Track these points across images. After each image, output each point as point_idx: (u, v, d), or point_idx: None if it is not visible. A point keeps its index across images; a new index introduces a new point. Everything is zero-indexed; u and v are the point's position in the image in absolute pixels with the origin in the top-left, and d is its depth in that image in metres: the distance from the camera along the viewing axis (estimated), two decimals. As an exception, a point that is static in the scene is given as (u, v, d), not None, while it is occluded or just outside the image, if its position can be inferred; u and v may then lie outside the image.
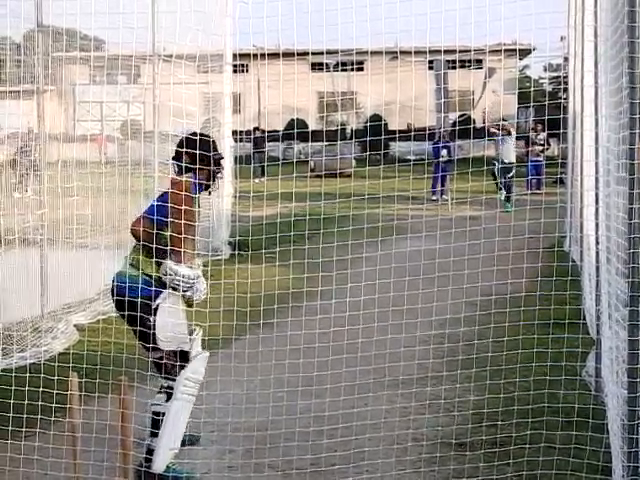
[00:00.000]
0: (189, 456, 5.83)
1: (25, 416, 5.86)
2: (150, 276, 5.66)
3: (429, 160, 24.27)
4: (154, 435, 5.62)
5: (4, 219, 8.97)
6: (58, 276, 9.86)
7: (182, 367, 5.66)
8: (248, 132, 30.36)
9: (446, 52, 6.74)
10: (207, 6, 10.59)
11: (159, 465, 5.58)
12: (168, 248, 5.59)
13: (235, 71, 15.85)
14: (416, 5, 6.19)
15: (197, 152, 5.75)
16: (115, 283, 5.79)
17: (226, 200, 14.14)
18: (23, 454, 5.58)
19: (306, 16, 6.07)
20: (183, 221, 5.57)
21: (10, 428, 5.78)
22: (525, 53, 30.63)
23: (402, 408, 6.73)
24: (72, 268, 10.24)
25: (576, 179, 11.82)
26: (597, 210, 6.95)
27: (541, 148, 25.76)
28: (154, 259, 5.60)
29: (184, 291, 5.65)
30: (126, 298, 5.61)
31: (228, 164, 13.56)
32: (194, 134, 5.90)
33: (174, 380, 5.64)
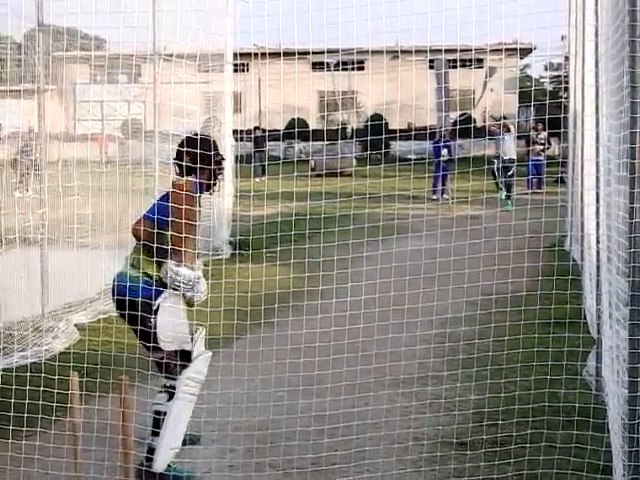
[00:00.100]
0: (190, 455, 5.83)
1: (26, 415, 5.86)
2: (151, 277, 5.67)
3: (430, 159, 24.26)
4: (155, 434, 5.62)
5: (5, 218, 8.97)
6: (59, 275, 9.86)
7: (184, 366, 5.67)
8: (249, 131, 30.36)
9: (447, 51, 6.74)
10: (208, 5, 10.59)
11: (160, 464, 5.58)
12: (169, 247, 5.59)
13: (236, 70, 15.87)
14: (417, 4, 6.19)
15: (198, 153, 5.75)
16: (116, 283, 5.79)
17: (227, 199, 14.14)
18: (24, 453, 5.58)
19: (307, 15, 6.08)
20: (184, 221, 5.57)
21: (11, 427, 5.78)
22: (526, 52, 30.59)
23: (403, 407, 6.73)
24: (73, 267, 10.24)
25: (577, 178, 11.82)
26: (598, 209, 6.95)
27: (542, 147, 25.77)
28: (155, 259, 5.60)
29: (184, 292, 5.65)
30: (127, 298, 5.61)
31: (229, 163, 13.55)
32: (195, 135, 5.90)
33: (176, 379, 5.64)
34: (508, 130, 22.24)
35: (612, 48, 5.26)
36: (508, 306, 7.04)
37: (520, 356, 6.79)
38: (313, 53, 6.43)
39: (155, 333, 5.58)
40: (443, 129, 23.61)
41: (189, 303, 5.76)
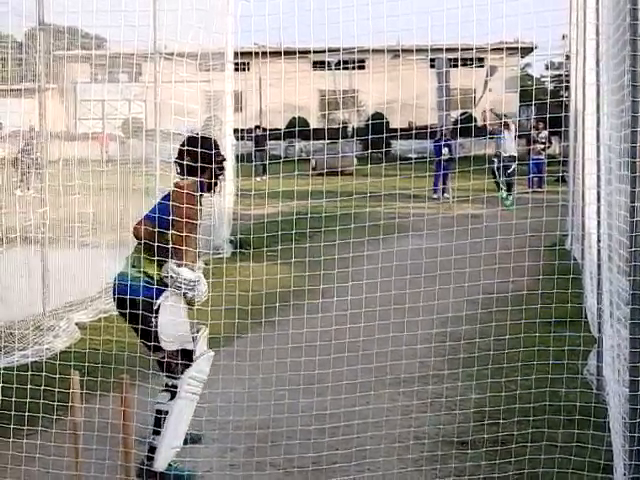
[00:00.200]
0: (191, 454, 5.83)
1: (27, 414, 5.86)
2: (151, 276, 5.67)
3: (430, 158, 24.26)
4: (156, 433, 5.63)
5: (6, 217, 8.98)
6: (60, 274, 9.86)
7: (186, 366, 5.67)
8: (249, 130, 30.36)
9: (448, 50, 6.74)
10: (208, 4, 10.57)
11: (161, 463, 5.59)
12: (170, 246, 5.59)
13: (237, 69, 15.86)
14: (418, 3, 6.19)
15: (199, 154, 5.74)
16: (117, 282, 5.79)
17: (227, 198, 14.13)
18: (25, 452, 5.58)
19: (307, 14, 6.07)
20: (185, 220, 5.58)
21: (12, 426, 5.78)
22: (527, 51, 30.61)
23: (404, 406, 6.74)
24: (74, 266, 10.24)
25: (578, 177, 11.82)
26: (599, 208, 6.94)
27: (543, 146, 25.78)
28: (156, 258, 5.60)
29: (185, 293, 5.66)
30: (127, 297, 5.62)
31: (229, 162, 13.55)
32: (196, 135, 5.91)
33: (177, 378, 5.65)
34: (508, 127, 22.25)
35: (613, 47, 5.26)
36: (509, 305, 7.04)
37: (521, 355, 6.79)
38: (314, 52, 6.44)
39: (156, 332, 5.58)
40: (444, 128, 23.60)
41: (190, 303, 5.76)
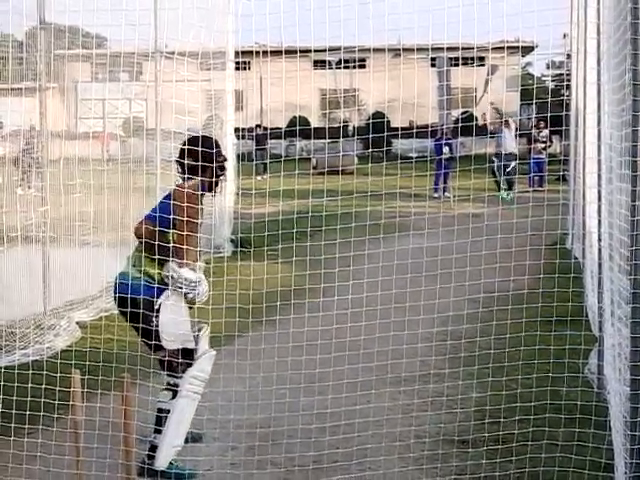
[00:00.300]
0: (192, 453, 5.84)
1: (28, 413, 5.86)
2: (152, 276, 5.67)
3: (431, 157, 24.25)
4: (158, 432, 5.63)
5: (7, 216, 8.98)
6: (60, 273, 9.86)
7: (187, 365, 5.68)
8: (250, 129, 30.37)
9: (449, 49, 6.74)
10: (209, 3, 10.57)
11: (162, 462, 5.59)
12: (171, 245, 5.60)
13: (237, 68, 15.86)
14: (418, 2, 6.18)
15: (201, 154, 5.74)
16: (117, 281, 5.80)
17: (228, 197, 14.14)
18: (26, 451, 5.58)
19: (308, 13, 6.07)
20: (187, 220, 5.58)
21: (13, 425, 5.79)
22: (528, 50, 30.58)
23: (404, 405, 6.74)
24: (74, 265, 10.24)
25: (578, 176, 11.82)
26: (599, 207, 6.94)
27: (543, 145, 25.76)
28: (157, 257, 5.61)
29: (186, 293, 5.67)
30: (128, 296, 5.62)
31: (230, 162, 13.55)
32: (198, 135, 5.91)
33: (179, 377, 5.65)
34: (508, 125, 22.25)
35: (614, 46, 5.26)
36: (510, 304, 7.03)
37: (522, 354, 6.79)
38: (315, 51, 6.44)
39: (157, 331, 5.59)
40: (445, 127, 23.60)
41: (190, 302, 5.77)
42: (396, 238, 7.89)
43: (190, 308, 5.82)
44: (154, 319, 5.58)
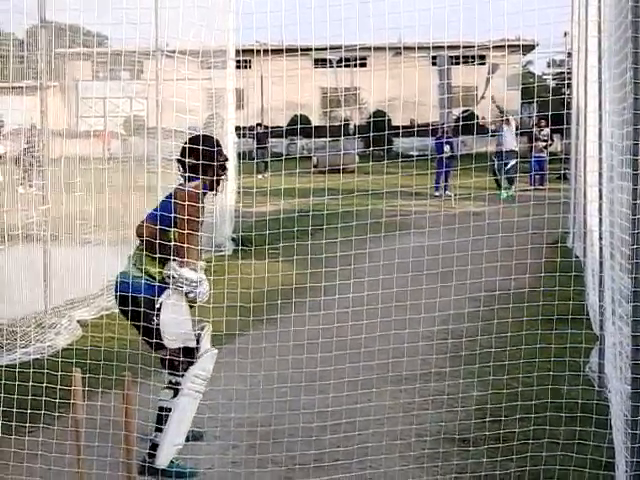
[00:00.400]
0: (192, 451, 5.84)
1: (29, 411, 5.86)
2: (153, 276, 5.67)
3: (432, 156, 24.25)
4: (159, 430, 5.64)
5: (8, 215, 8.98)
6: (61, 272, 9.87)
7: (189, 363, 5.68)
8: (251, 128, 30.36)
9: (449, 48, 6.74)
10: (210, 2, 10.59)
11: (163, 460, 5.60)
12: (172, 244, 5.60)
13: (238, 67, 15.85)
14: (419, 1, 6.18)
15: (203, 154, 5.74)
16: (119, 280, 5.80)
17: (229, 196, 14.15)
18: (27, 449, 5.58)
19: (309, 12, 6.07)
20: (188, 218, 5.58)
21: (14, 423, 5.80)
22: (528, 49, 30.56)
23: (405, 404, 6.74)
24: (75, 264, 10.24)
25: (579, 175, 11.82)
26: (601, 206, 6.94)
27: (544, 144, 25.76)
28: (158, 255, 5.61)
29: (187, 293, 5.67)
30: (129, 294, 5.62)
31: (231, 160, 13.55)
32: (199, 135, 5.91)
33: (180, 376, 5.65)
34: (508, 123, 22.26)
35: (615, 44, 5.26)
36: (511, 303, 7.04)
37: (522, 353, 6.79)
38: (315, 50, 6.43)
39: (159, 330, 5.59)
40: (445, 125, 23.59)
41: (191, 302, 5.78)
42: (397, 237, 7.91)
43: (191, 307, 5.82)
44: (155, 318, 5.59)
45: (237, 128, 16.18)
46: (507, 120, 22.43)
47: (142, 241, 5.74)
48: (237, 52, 14.94)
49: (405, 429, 6.17)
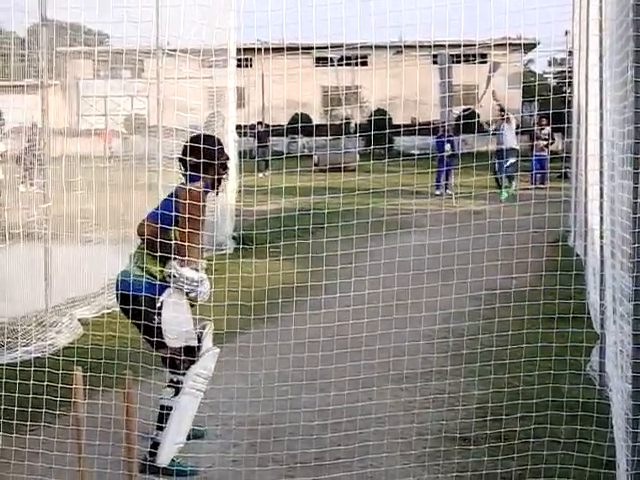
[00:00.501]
0: (193, 450, 5.84)
1: (30, 410, 5.87)
2: (154, 275, 5.68)
3: (433, 154, 24.24)
4: (160, 429, 5.64)
5: (9, 213, 8.98)
6: (62, 270, 9.87)
7: (190, 362, 5.68)
8: (252, 126, 30.37)
9: (451, 46, 6.74)
10: (211, 0, 10.58)
11: (163, 459, 5.60)
12: (173, 242, 5.60)
13: (239, 65, 15.84)
14: (420, -1, 6.18)
15: (204, 154, 5.74)
16: (120, 278, 5.80)
17: (230, 195, 14.14)
18: (28, 448, 5.58)
19: (310, 10, 6.06)
20: (189, 217, 5.58)
21: (15, 422, 5.80)
22: (530, 47, 30.52)
23: (406, 402, 6.74)
24: (76, 262, 10.25)
25: (580, 173, 11.81)
26: (601, 204, 6.94)
27: (545, 142, 25.75)
28: (159, 254, 5.61)
29: (187, 292, 5.67)
30: (130, 293, 5.62)
31: (232, 159, 13.55)
32: (200, 134, 5.91)
33: (181, 375, 5.66)
34: (508, 121, 22.25)
35: (616, 43, 5.25)
36: (512, 301, 7.04)
37: (523, 351, 6.79)
38: (316, 48, 6.43)
39: (160, 329, 5.59)
40: (446, 124, 23.58)
41: (192, 301, 5.78)
42: (398, 235, 7.90)
43: (192, 306, 5.82)
44: (156, 317, 5.59)
45: (238, 127, 16.17)
46: (507, 118, 22.42)
47: (143, 240, 5.74)
48: (238, 50, 14.92)
49: (406, 428, 6.18)
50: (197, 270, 5.73)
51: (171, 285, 5.63)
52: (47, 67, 9.47)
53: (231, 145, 14.24)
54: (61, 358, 6.43)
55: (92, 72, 12.89)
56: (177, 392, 5.65)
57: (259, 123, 32.32)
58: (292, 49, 6.96)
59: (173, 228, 5.62)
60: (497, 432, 5.93)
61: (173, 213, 5.61)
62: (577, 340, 6.81)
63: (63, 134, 10.77)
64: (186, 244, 5.60)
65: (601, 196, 6.94)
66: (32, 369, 6.19)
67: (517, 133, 23.80)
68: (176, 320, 5.63)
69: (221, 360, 6.07)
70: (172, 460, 5.64)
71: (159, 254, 5.62)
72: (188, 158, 5.80)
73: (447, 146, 24.16)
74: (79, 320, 9.48)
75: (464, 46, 6.82)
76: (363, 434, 5.99)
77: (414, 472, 5.59)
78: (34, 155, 10.49)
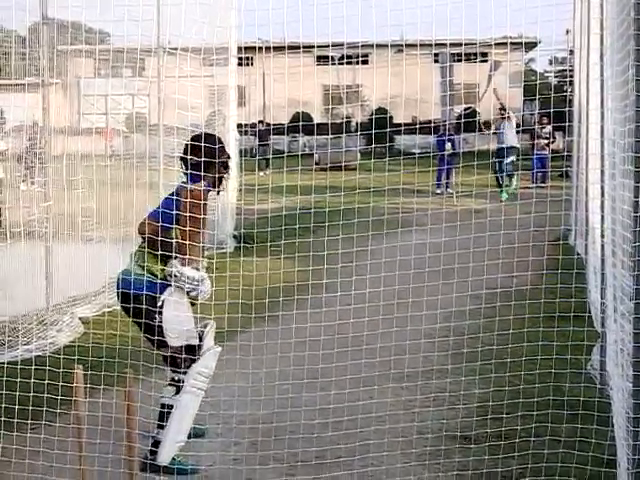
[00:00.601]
0: (194, 448, 5.84)
1: (31, 408, 5.87)
2: (155, 274, 5.68)
3: (434, 153, 24.23)
4: (161, 427, 5.64)
5: (10, 212, 8.98)
6: (63, 269, 9.87)
7: (191, 360, 5.68)
8: (253, 125, 30.36)
9: (452, 45, 6.73)
10: (212, -2, 10.58)
11: (164, 457, 5.60)
12: (174, 241, 5.60)
13: (240, 64, 15.84)
14: (421, -3, 6.17)
15: (206, 153, 5.74)
16: (121, 277, 5.80)
17: (231, 193, 14.14)
18: (29, 446, 5.59)
19: (311, 9, 6.06)
20: (190, 215, 5.58)
21: (16, 420, 5.79)
22: (531, 46, 30.51)
23: (407, 401, 6.74)
24: (77, 261, 10.25)
25: (582, 172, 11.81)
26: (602, 203, 6.94)
27: (546, 141, 25.73)
28: (160, 252, 5.61)
29: (188, 292, 5.67)
30: (131, 292, 5.62)
31: (233, 158, 13.54)
32: (201, 135, 5.90)
33: (182, 373, 5.66)
34: (509, 119, 22.25)
35: (617, 41, 5.25)
36: (512, 300, 7.04)
37: (524, 350, 6.79)
38: (317, 47, 6.43)
39: (161, 328, 5.59)
40: (447, 123, 23.57)
41: (193, 299, 5.78)
42: (399, 234, 7.90)
43: (193, 304, 5.82)
44: (157, 315, 5.59)
45: (239, 125, 16.18)
46: (508, 117, 22.41)
47: (144, 239, 5.74)
48: (239, 49, 14.92)
49: (407, 426, 6.18)
50: (198, 269, 5.73)
51: (172, 284, 5.63)
52: (48, 65, 9.47)
53: (232, 144, 14.24)
54: (62, 357, 6.42)
55: (93, 71, 12.89)
56: (178, 391, 5.65)
57: (260, 122, 32.31)
58: (293, 48, 6.96)
59: (174, 227, 5.62)
60: (498, 431, 5.93)
61: (174, 212, 5.61)
62: (578, 339, 6.81)
63: (64, 133, 10.77)
64: (187, 243, 5.60)
65: (602, 195, 6.94)
66: (33, 367, 6.19)
67: (518, 132, 23.79)
68: (177, 319, 5.63)
69: (222, 359, 6.08)
70: (173, 459, 5.64)
71: (160, 253, 5.62)
72: (189, 157, 5.80)
73: (448, 145, 24.16)
74: (80, 319, 9.49)
75: (465, 45, 6.82)
76: (364, 433, 5.99)
77: (415, 471, 5.59)
78: (35, 154, 10.49)
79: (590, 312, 8.43)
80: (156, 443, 5.64)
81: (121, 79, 12.68)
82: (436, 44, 6.46)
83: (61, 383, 5.90)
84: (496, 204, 13.91)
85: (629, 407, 4.50)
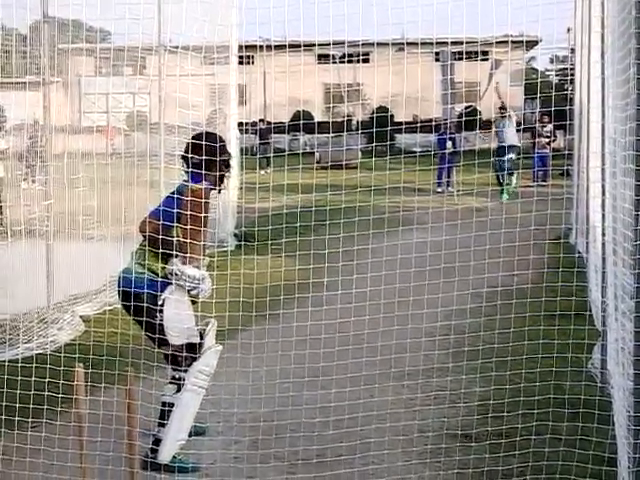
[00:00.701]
0: (195, 447, 5.84)
1: (31, 406, 5.88)
2: (156, 272, 5.68)
3: (435, 152, 24.22)
4: (162, 425, 5.64)
5: (11, 210, 8.99)
6: (64, 267, 9.87)
7: (192, 359, 5.69)
8: (254, 123, 30.35)
9: (453, 43, 6.72)
10: (213, -3, 10.58)
11: (165, 455, 5.60)
12: (175, 239, 5.60)
13: (241, 62, 15.84)
14: (422, -4, 6.17)
15: (207, 152, 5.74)
16: (122, 275, 5.80)
17: (232, 192, 14.15)
18: (29, 444, 5.59)
19: (312, 7, 6.06)
20: (191, 214, 5.58)
21: (17, 418, 5.80)
22: (532, 45, 30.51)
23: (408, 399, 6.74)
24: (78, 259, 10.25)
25: (582, 171, 11.81)
26: (603, 202, 6.94)
27: (547, 140, 25.72)
28: (161, 250, 5.61)
29: (189, 290, 5.67)
30: (132, 290, 5.62)
31: (234, 156, 13.54)
32: (202, 134, 5.90)
33: (183, 371, 5.66)
34: (509, 117, 22.24)
35: (618, 40, 5.25)
36: (513, 298, 7.03)
37: (525, 348, 6.79)
38: (318, 45, 6.43)
39: (162, 326, 5.59)
40: (448, 121, 23.56)
41: (194, 298, 5.78)
42: (399, 232, 7.90)
43: (193, 303, 5.83)
44: (158, 314, 5.59)
45: (240, 124, 16.17)
46: (508, 115, 22.41)
47: (145, 237, 5.75)
48: (240, 48, 14.92)
49: (407, 425, 6.18)
50: (199, 267, 5.73)
51: (173, 282, 5.63)
52: (49, 64, 9.46)
53: (233, 142, 14.24)
54: (63, 355, 6.43)
55: (94, 69, 12.89)
56: (179, 389, 5.65)
57: (261, 120, 32.28)
58: (294, 46, 6.97)
59: (175, 225, 5.63)
60: (498, 429, 5.93)
61: (175, 210, 5.61)
62: (578, 337, 6.81)
63: (65, 131, 10.77)
64: (188, 241, 5.60)
65: (603, 193, 6.93)
66: (34, 366, 6.20)
67: (519, 130, 23.78)
68: (178, 317, 5.63)
69: (223, 357, 6.08)
70: (174, 457, 5.64)
71: (161, 251, 5.62)
72: (190, 155, 5.81)
73: (449, 143, 24.15)
74: (81, 317, 9.49)
75: (466, 43, 6.82)
76: (364, 431, 5.99)
77: (415, 469, 5.59)
78: (36, 152, 10.49)
79: (591, 310, 8.43)
80: (157, 441, 5.64)
81: (122, 77, 12.69)
82: (437, 42, 6.45)
83: (62, 381, 5.90)
84: (497, 202, 13.91)
85: (630, 405, 4.50)
